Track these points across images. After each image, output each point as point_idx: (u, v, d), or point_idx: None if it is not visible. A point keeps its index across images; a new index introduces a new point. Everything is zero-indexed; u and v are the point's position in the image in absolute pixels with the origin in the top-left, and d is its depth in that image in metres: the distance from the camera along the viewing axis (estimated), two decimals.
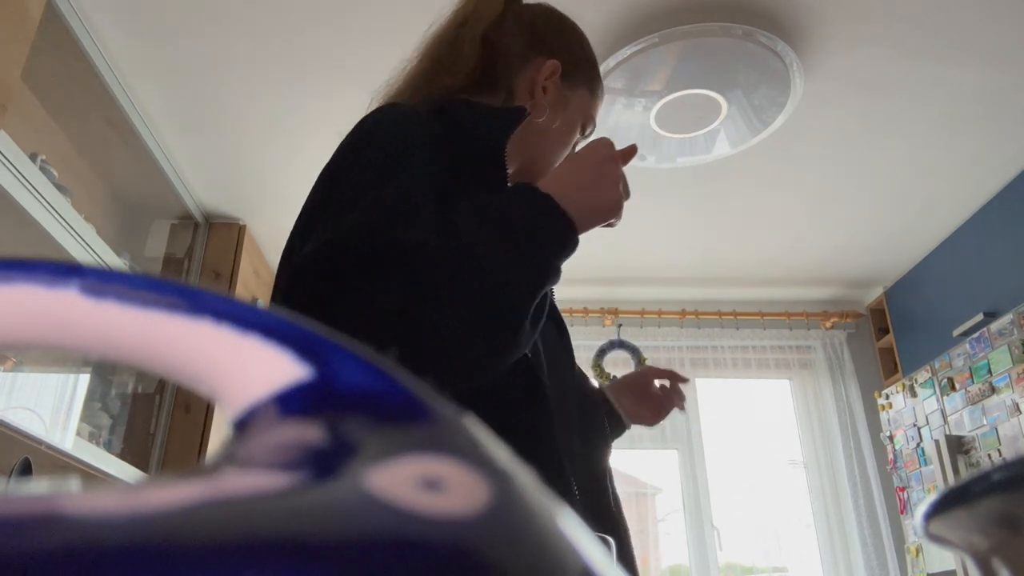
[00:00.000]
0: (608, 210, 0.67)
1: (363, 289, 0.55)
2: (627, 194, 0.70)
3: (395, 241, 0.58)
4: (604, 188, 0.66)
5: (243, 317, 0.15)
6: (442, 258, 0.58)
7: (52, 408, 1.75)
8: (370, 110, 0.82)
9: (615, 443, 0.95)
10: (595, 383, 1.04)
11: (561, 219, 0.63)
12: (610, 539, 0.46)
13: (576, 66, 0.89)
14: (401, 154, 0.68)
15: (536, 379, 0.68)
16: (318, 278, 0.57)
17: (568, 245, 0.63)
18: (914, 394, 3.00)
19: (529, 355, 0.68)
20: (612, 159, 0.68)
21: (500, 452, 0.13)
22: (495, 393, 0.62)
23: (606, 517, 0.76)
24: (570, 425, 0.75)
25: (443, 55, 0.86)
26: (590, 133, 0.93)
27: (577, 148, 0.93)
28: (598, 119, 0.95)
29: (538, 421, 0.67)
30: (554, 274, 0.62)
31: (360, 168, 0.67)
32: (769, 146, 2.40)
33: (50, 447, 1.66)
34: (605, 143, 0.70)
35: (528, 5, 0.92)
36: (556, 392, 0.74)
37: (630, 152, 0.74)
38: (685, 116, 2.19)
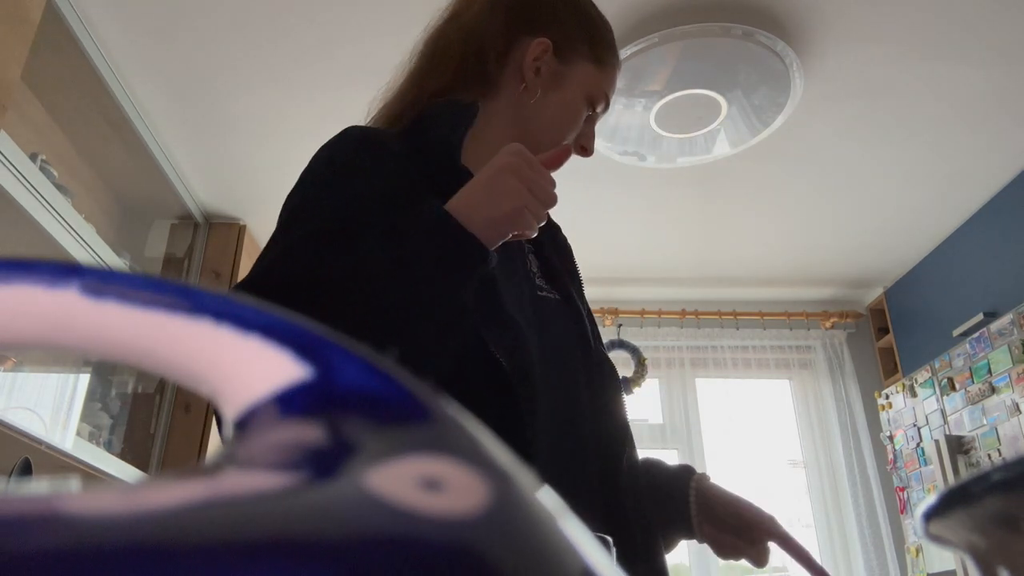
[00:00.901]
0: (507, 221, 0.62)
1: None
2: (546, 201, 0.64)
3: (297, 280, 0.61)
4: (499, 199, 0.62)
5: (243, 317, 0.15)
6: (339, 291, 0.59)
7: (52, 408, 1.75)
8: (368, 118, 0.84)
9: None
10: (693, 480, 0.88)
11: (456, 237, 0.61)
12: (609, 539, 0.46)
13: (571, 40, 0.83)
14: (331, 183, 0.69)
15: (506, 380, 0.66)
16: None
17: (463, 262, 0.61)
18: (914, 394, 3.00)
19: (502, 360, 0.66)
20: (510, 168, 0.63)
21: (500, 452, 0.13)
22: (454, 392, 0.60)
23: (618, 518, 0.73)
24: (568, 427, 0.73)
25: (431, 54, 0.84)
26: (603, 109, 0.87)
27: (595, 125, 0.89)
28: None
29: (504, 421, 0.64)
30: (447, 291, 0.60)
31: (291, 200, 0.71)
32: (769, 146, 2.40)
33: (50, 447, 1.66)
34: (510, 150, 0.65)
35: None
36: (556, 394, 0.72)
37: (557, 156, 0.68)
38: (685, 116, 2.19)
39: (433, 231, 0.61)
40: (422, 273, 0.60)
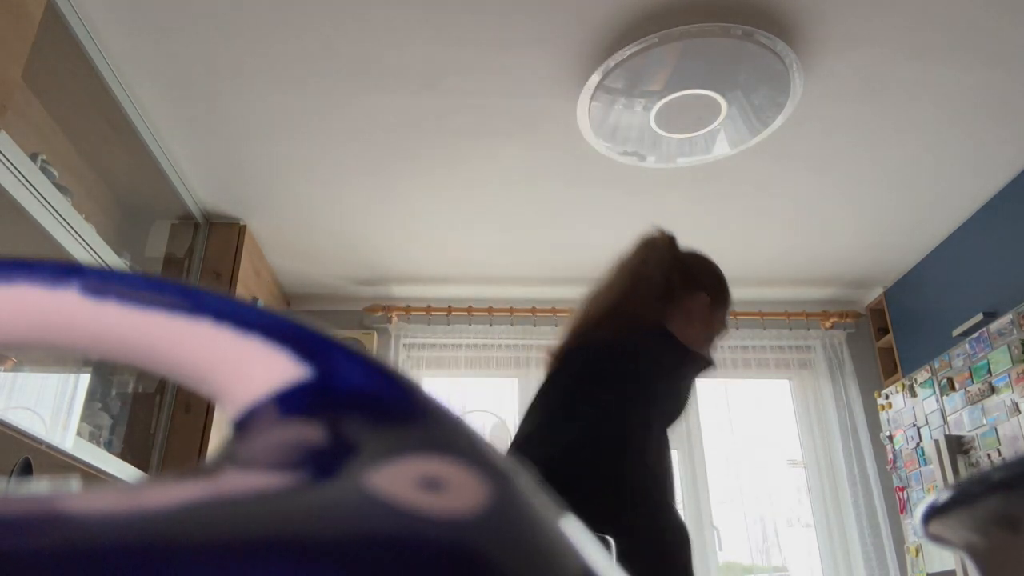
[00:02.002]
0: None
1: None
2: None
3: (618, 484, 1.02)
4: None
5: (243, 317, 0.15)
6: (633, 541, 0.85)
7: (52, 408, 1.75)
8: (577, 334, 1.20)
9: None
10: None
11: None
12: (610, 539, 0.46)
13: (717, 297, 1.25)
14: (655, 379, 1.12)
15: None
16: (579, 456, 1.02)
17: None
18: (914, 394, 3.00)
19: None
20: None
21: (499, 452, 0.13)
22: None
23: None
24: None
25: (635, 290, 1.22)
26: (722, 336, 1.28)
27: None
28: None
29: None
30: None
31: (627, 380, 1.09)
32: (769, 146, 2.40)
33: (50, 447, 1.66)
34: None
35: (685, 251, 1.28)
36: None
37: None
38: (685, 116, 2.19)
39: None
40: None
